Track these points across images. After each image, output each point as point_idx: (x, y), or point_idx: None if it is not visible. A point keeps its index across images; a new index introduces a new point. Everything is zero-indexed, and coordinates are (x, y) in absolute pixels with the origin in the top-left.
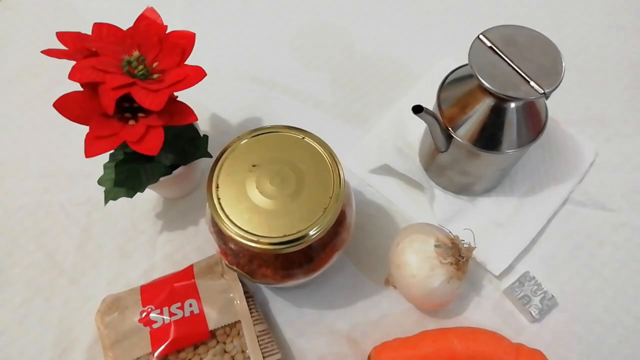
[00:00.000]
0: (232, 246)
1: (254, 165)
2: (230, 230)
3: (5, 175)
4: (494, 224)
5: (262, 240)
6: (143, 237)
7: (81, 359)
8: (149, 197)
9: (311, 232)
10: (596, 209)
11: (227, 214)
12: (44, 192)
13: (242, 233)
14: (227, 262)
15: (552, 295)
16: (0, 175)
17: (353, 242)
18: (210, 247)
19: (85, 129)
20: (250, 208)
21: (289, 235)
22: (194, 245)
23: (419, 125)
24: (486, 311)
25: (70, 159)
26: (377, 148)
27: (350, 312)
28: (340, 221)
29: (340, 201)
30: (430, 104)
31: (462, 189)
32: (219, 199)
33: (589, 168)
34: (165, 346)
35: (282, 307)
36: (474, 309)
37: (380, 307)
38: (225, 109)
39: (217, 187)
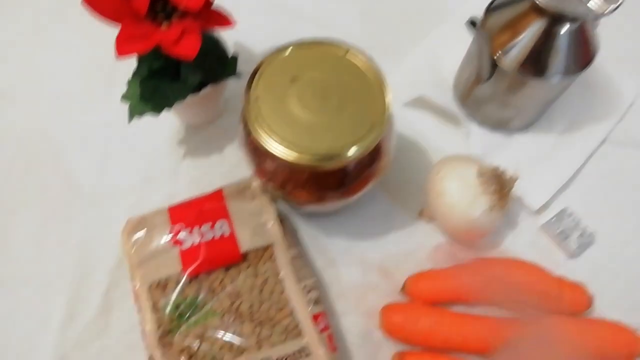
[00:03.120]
0: (269, 164)
1: (294, 79)
2: (270, 145)
3: (23, 94)
4: (531, 160)
5: (303, 155)
6: (165, 164)
7: (104, 281)
8: (170, 124)
9: (354, 149)
10: (635, 149)
11: (267, 127)
12: (63, 112)
13: (282, 148)
14: (261, 183)
15: (591, 232)
16: (18, 94)
17: (386, 175)
18: (236, 175)
19: (107, 57)
20: (291, 122)
21: (331, 150)
22: (218, 173)
23: (454, 60)
24: (522, 246)
25: (92, 80)
26: (411, 81)
27: (383, 243)
28: (380, 147)
29: (385, 122)
30: (463, 37)
31: (499, 124)
32: (258, 111)
33: (630, 107)
34: (196, 266)
35: (312, 235)
36: (509, 244)
37: (414, 239)
38: (249, 38)
39: (257, 99)
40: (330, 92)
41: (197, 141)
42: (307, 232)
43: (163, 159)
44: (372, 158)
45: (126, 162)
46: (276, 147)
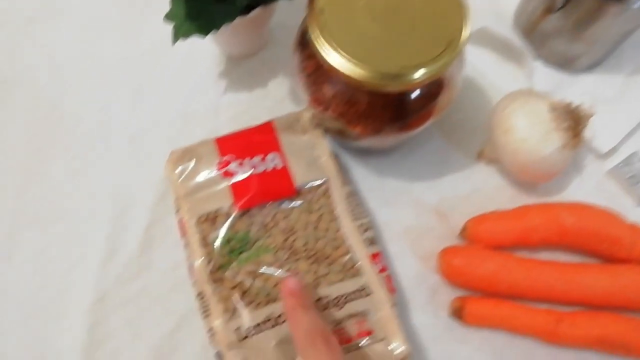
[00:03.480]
0: (327, 90)
1: None
2: (335, 60)
3: (51, 20)
4: (598, 102)
5: (370, 72)
6: (205, 98)
7: (144, 218)
8: (210, 56)
9: (423, 71)
10: None
11: (332, 41)
12: (94, 40)
13: (348, 64)
14: (315, 114)
15: None
16: (45, 20)
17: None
18: (281, 112)
19: None
20: (358, 36)
21: (399, 69)
22: (262, 108)
23: None
24: (588, 191)
25: (126, 6)
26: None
27: (438, 185)
28: (448, 78)
29: (461, 45)
30: None
31: (565, 62)
32: (323, 24)
33: None
34: (248, 199)
35: (365, 175)
36: (574, 189)
37: (471, 182)
38: None
39: (321, 11)
40: (403, 7)
41: (240, 74)
42: (358, 171)
43: (202, 93)
44: (438, 88)
45: (163, 97)
46: (341, 63)
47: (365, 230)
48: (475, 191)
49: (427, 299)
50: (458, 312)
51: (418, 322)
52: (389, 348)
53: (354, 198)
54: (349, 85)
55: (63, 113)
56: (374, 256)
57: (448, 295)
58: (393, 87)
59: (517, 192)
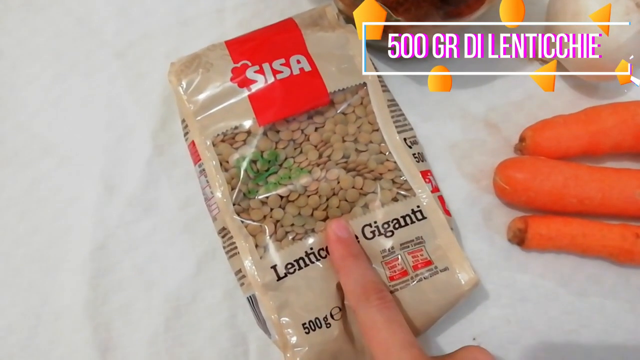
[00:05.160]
0: None
1: None
2: None
3: None
4: None
5: None
6: (206, 1)
7: (145, 147)
8: None
9: None
10: None
11: None
12: None
13: None
14: (348, 1)
15: None
16: None
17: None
18: (299, 11)
19: None
20: None
21: None
22: (275, 10)
23: None
24: None
25: None
26: None
27: (486, 92)
28: None
29: None
30: None
31: None
32: None
33: None
34: (272, 110)
35: (401, 84)
36: (638, 90)
37: (524, 87)
38: None
39: None
40: None
41: None
42: (393, 80)
43: None
44: None
45: (155, 2)
46: None
47: (412, 144)
48: (529, 97)
49: (481, 224)
50: (520, 235)
51: (471, 249)
52: (455, 278)
53: (397, 107)
54: None
55: (34, 23)
56: (425, 174)
57: (504, 217)
58: None
59: (577, 96)
